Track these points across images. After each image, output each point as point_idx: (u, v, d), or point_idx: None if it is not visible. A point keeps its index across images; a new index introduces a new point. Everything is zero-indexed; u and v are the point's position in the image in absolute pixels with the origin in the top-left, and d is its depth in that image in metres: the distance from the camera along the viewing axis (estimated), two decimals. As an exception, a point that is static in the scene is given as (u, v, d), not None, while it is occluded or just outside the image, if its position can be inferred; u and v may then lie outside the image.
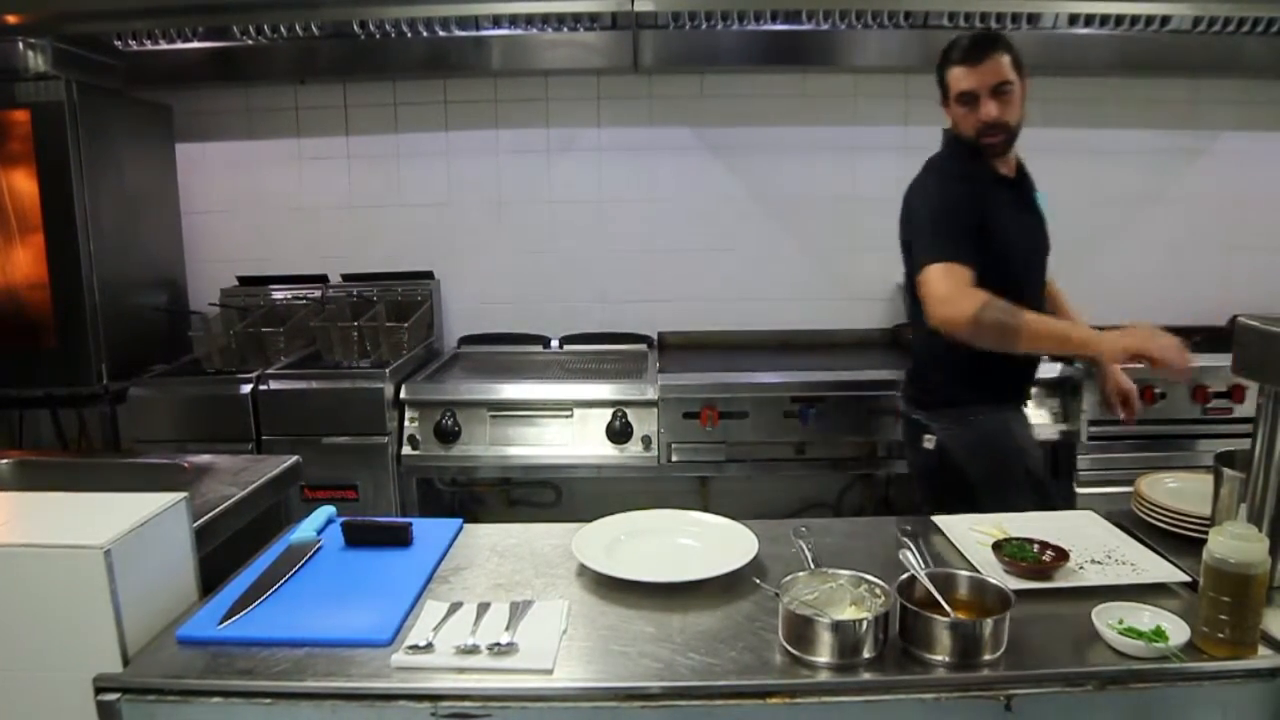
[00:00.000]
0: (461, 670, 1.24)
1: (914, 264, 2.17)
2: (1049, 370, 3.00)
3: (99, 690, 1.23)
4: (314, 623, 1.36)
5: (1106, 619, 1.30)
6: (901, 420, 2.48)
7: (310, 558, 1.60)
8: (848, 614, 1.31)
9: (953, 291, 2.04)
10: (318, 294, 3.42)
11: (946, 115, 2.26)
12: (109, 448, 3.13)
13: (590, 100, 3.48)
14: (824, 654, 1.24)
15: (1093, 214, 3.55)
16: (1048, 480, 2.38)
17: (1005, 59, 2.12)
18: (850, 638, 1.24)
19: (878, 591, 1.32)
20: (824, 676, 1.24)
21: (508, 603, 1.41)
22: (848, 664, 1.23)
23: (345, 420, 2.85)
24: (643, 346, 3.48)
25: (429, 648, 1.28)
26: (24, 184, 2.79)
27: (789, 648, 1.27)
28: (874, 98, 3.47)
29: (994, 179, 2.25)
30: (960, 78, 2.15)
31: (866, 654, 1.24)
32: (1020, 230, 2.29)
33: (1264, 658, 1.25)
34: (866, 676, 1.23)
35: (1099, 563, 1.55)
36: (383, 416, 2.85)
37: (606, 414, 2.89)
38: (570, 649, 1.31)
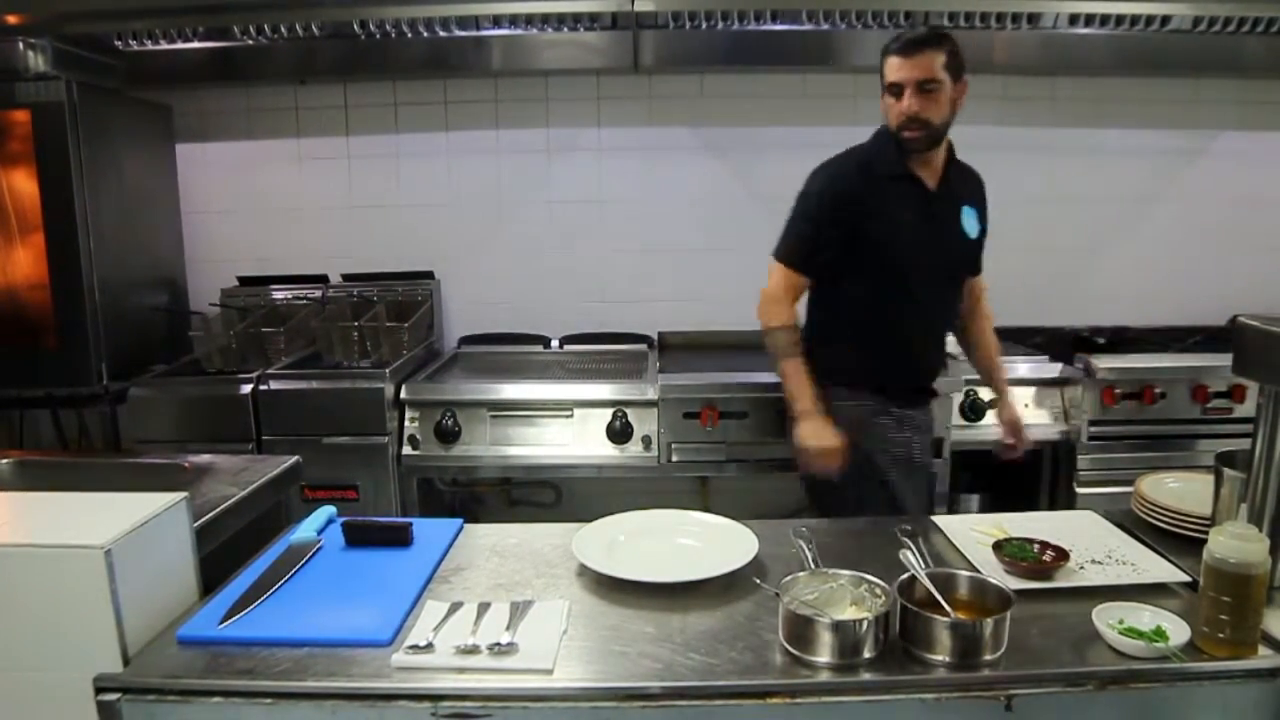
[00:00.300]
0: (462, 670, 1.24)
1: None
2: (1049, 370, 3.00)
3: (99, 690, 1.23)
4: (314, 623, 1.36)
5: (1107, 619, 1.30)
6: None
7: (310, 558, 1.60)
8: (848, 614, 1.31)
9: (771, 296, 2.29)
10: (318, 294, 3.42)
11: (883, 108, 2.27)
12: (109, 448, 3.13)
13: (590, 100, 3.48)
14: (824, 654, 1.24)
15: (1093, 213, 3.56)
16: (904, 488, 2.29)
17: (939, 58, 2.13)
18: (850, 638, 1.24)
19: (878, 591, 1.33)
20: (824, 677, 1.24)
21: (508, 603, 1.41)
22: (848, 664, 1.24)
23: (345, 420, 2.85)
24: (643, 346, 3.48)
25: (429, 648, 1.28)
26: (24, 184, 2.79)
27: (789, 648, 1.28)
28: (873, 98, 3.39)
29: (904, 179, 2.25)
30: (891, 68, 2.17)
31: (867, 654, 1.25)
32: (919, 240, 2.27)
33: (1264, 658, 1.25)
34: (867, 676, 1.23)
35: (1099, 563, 1.55)
36: (383, 416, 2.85)
37: (607, 414, 2.89)
38: (570, 649, 1.31)
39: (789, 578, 1.36)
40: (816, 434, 2.23)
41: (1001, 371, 2.55)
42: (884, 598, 1.31)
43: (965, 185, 2.36)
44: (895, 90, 2.17)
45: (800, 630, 1.26)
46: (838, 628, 1.24)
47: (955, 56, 2.16)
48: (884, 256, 2.24)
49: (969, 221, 2.35)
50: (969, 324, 2.56)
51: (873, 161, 2.26)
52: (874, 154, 2.27)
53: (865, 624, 1.24)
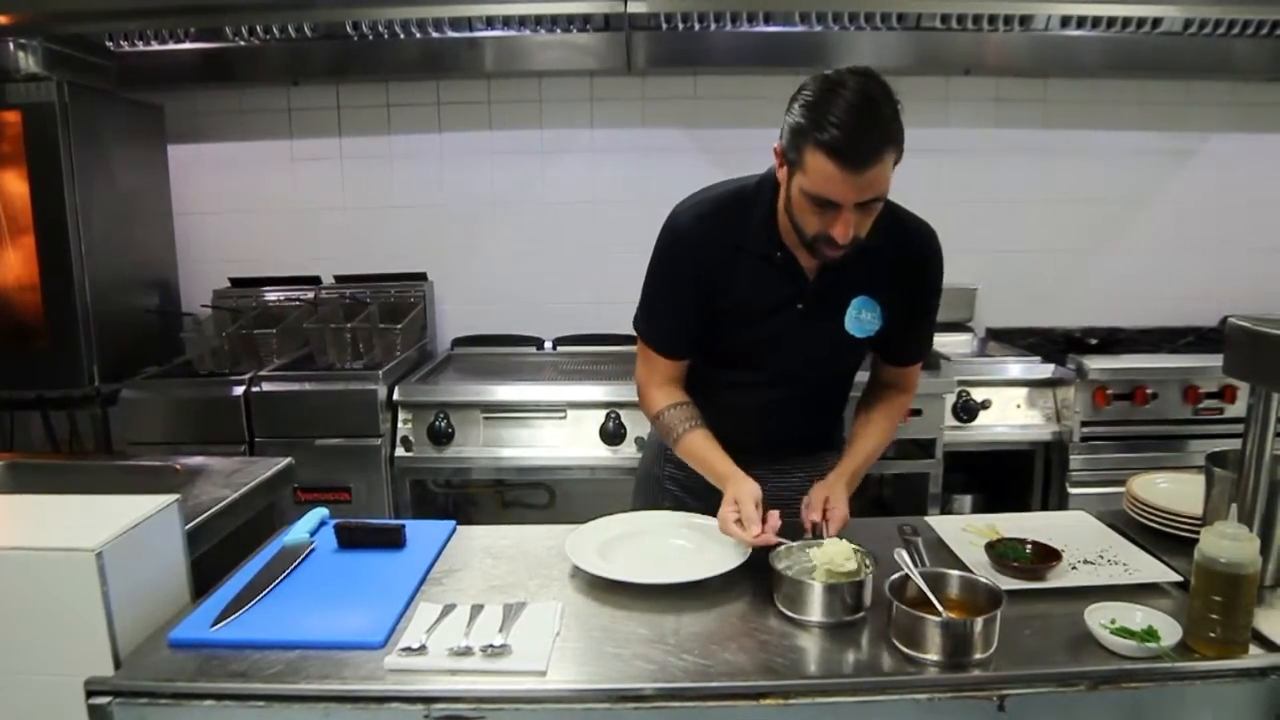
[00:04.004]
0: (455, 672, 1.24)
1: None
2: (1041, 371, 3.02)
3: (90, 693, 1.23)
4: (307, 625, 1.36)
5: (1099, 619, 1.31)
6: None
7: (303, 560, 1.59)
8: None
9: (641, 382, 1.83)
10: (310, 295, 3.41)
11: (778, 171, 1.60)
12: (101, 450, 3.12)
13: (583, 101, 3.48)
14: (815, 614, 1.37)
15: (1084, 215, 3.57)
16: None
17: (890, 161, 1.47)
18: (838, 597, 1.36)
19: (866, 561, 1.45)
20: (817, 677, 1.24)
21: (501, 604, 1.41)
22: (837, 622, 1.36)
23: (338, 422, 2.84)
24: (635, 348, 3.47)
25: (422, 650, 1.28)
26: (15, 185, 2.78)
27: (783, 609, 1.40)
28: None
29: (774, 262, 1.68)
30: (823, 177, 1.46)
31: (859, 614, 1.37)
32: (773, 338, 1.73)
33: (1255, 657, 1.26)
34: (860, 677, 1.24)
35: (1091, 563, 1.55)
36: (376, 418, 2.85)
37: (600, 415, 2.89)
38: (564, 651, 1.30)
39: (782, 547, 1.48)
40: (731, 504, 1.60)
41: (856, 455, 1.78)
42: (871, 564, 1.44)
43: (875, 264, 1.66)
44: (824, 204, 1.50)
45: (791, 592, 1.39)
46: (830, 590, 1.37)
47: (902, 140, 1.48)
48: (735, 348, 1.76)
49: (859, 316, 1.71)
50: (864, 405, 1.89)
51: (740, 233, 1.69)
52: (748, 218, 1.69)
53: (855, 585, 1.37)
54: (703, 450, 1.70)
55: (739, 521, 1.54)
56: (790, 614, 1.39)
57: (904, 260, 1.71)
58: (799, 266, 1.68)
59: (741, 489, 1.58)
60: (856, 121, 1.42)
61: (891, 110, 1.46)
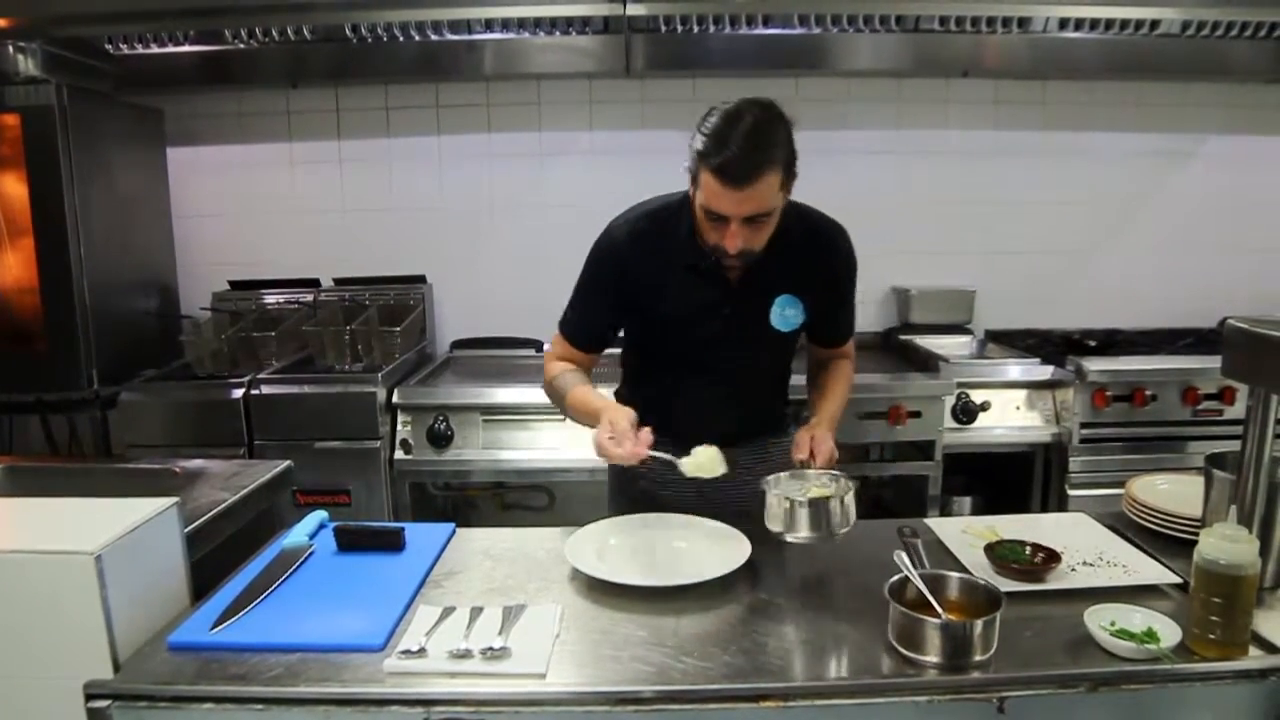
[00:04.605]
0: (454, 675, 1.24)
1: None
2: (1041, 373, 3.01)
3: (90, 697, 1.23)
4: (306, 628, 1.36)
5: (1098, 620, 1.31)
6: None
7: (302, 563, 1.59)
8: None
9: (547, 357, 2.02)
10: (309, 298, 3.41)
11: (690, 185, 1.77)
12: (100, 453, 3.12)
13: (582, 104, 3.48)
14: (803, 530, 1.54)
15: (1083, 216, 3.57)
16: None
17: (774, 181, 1.63)
18: (823, 513, 1.54)
19: (843, 482, 1.63)
20: (817, 678, 1.24)
21: (500, 607, 1.41)
22: (824, 536, 1.54)
23: (337, 425, 2.84)
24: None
25: (422, 653, 1.28)
26: (14, 188, 2.78)
27: (770, 528, 1.57)
28: (866, 102, 3.47)
29: (698, 270, 1.81)
30: (711, 192, 1.65)
31: (842, 530, 1.55)
32: (705, 337, 1.87)
33: (1254, 658, 1.26)
34: (859, 679, 1.24)
35: (1090, 564, 1.56)
36: (375, 421, 2.84)
37: (599, 417, 2.88)
38: (563, 653, 1.30)
39: (772, 477, 1.65)
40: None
41: (828, 403, 1.95)
42: (850, 484, 1.61)
43: (790, 265, 1.83)
44: (715, 218, 1.68)
45: (776, 511, 1.56)
46: (813, 504, 1.54)
47: (790, 161, 1.68)
48: (665, 337, 1.92)
49: (783, 313, 1.87)
50: (815, 376, 2.08)
51: (669, 245, 1.83)
52: (675, 231, 1.83)
53: (831, 501, 1.55)
54: (583, 396, 1.85)
55: (613, 439, 1.64)
56: (774, 530, 1.58)
57: (817, 258, 1.89)
58: (723, 273, 1.81)
59: (615, 412, 1.69)
60: (741, 145, 1.61)
61: (780, 137, 1.66)
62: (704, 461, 1.64)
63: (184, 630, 1.36)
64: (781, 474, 1.67)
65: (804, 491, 1.61)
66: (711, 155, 1.63)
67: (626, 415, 1.67)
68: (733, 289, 1.82)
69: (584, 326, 1.95)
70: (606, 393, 1.92)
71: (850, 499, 1.57)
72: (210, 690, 1.22)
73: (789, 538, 1.56)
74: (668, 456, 1.64)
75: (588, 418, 1.79)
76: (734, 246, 1.68)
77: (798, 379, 2.11)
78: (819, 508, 1.54)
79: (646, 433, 1.64)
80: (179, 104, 3.44)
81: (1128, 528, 1.71)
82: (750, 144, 1.61)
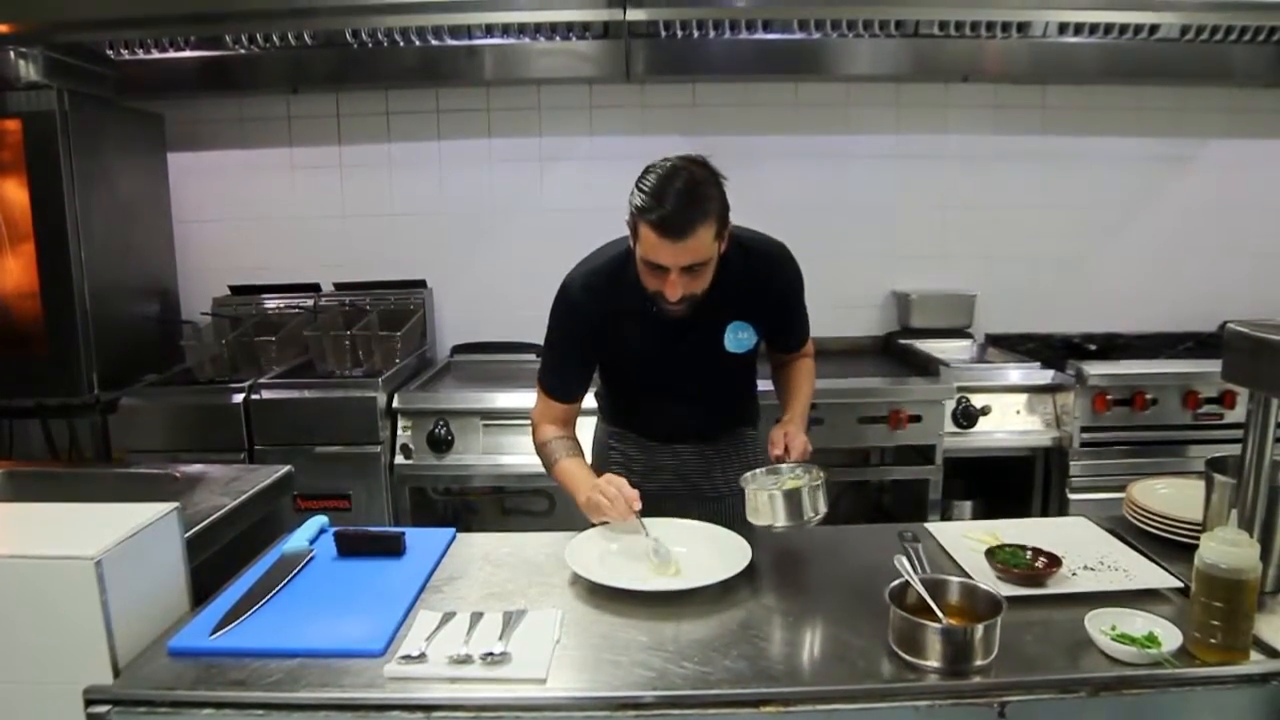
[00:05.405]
0: (454, 680, 1.24)
1: None
2: (1041, 377, 3.01)
3: (89, 702, 1.23)
4: (307, 633, 1.36)
5: (1099, 625, 1.30)
6: None
7: (303, 568, 1.59)
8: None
9: (535, 419, 2.10)
10: (310, 303, 3.41)
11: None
12: (100, 458, 3.11)
13: (582, 109, 3.49)
14: (781, 519, 1.64)
15: (1083, 220, 3.57)
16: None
17: (709, 232, 1.73)
18: (797, 503, 1.64)
19: (815, 472, 1.72)
20: (816, 682, 1.24)
21: (501, 612, 1.41)
22: (801, 523, 1.64)
23: (338, 429, 2.84)
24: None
25: (422, 658, 1.28)
26: (15, 193, 2.78)
27: (751, 520, 1.67)
28: (865, 106, 3.48)
29: (650, 313, 1.88)
30: (649, 244, 1.74)
31: (817, 515, 1.65)
32: (663, 365, 2.00)
33: (1256, 663, 1.25)
34: (859, 684, 1.24)
35: (1091, 569, 1.55)
36: (375, 426, 2.84)
37: (600, 422, 2.88)
38: (563, 658, 1.30)
39: (749, 473, 1.76)
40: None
41: (796, 401, 2.08)
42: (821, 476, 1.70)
43: (736, 294, 1.93)
44: (655, 268, 1.77)
45: (754, 503, 1.67)
46: (789, 495, 1.64)
47: (724, 214, 1.79)
48: (629, 370, 2.08)
49: (736, 337, 1.98)
50: (779, 377, 2.20)
51: (620, 293, 1.93)
52: (624, 280, 1.91)
53: (805, 490, 1.65)
54: (571, 470, 1.94)
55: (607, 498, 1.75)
56: (756, 523, 1.68)
57: (760, 284, 1.97)
58: (671, 313, 1.87)
59: (607, 477, 1.81)
60: (677, 201, 1.69)
61: (713, 192, 1.76)
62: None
63: (184, 635, 1.35)
64: (758, 470, 1.79)
65: (779, 485, 1.72)
66: (650, 211, 1.71)
67: (615, 480, 1.79)
68: (685, 323, 1.90)
69: (561, 380, 2.06)
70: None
71: (821, 487, 1.69)
72: (210, 696, 1.22)
73: (764, 524, 1.67)
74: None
75: (576, 488, 1.88)
76: (674, 295, 1.77)
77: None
78: (794, 498, 1.65)
79: (635, 497, 1.74)
80: (180, 109, 3.44)
81: (1128, 532, 1.71)
82: (685, 200, 1.70)
